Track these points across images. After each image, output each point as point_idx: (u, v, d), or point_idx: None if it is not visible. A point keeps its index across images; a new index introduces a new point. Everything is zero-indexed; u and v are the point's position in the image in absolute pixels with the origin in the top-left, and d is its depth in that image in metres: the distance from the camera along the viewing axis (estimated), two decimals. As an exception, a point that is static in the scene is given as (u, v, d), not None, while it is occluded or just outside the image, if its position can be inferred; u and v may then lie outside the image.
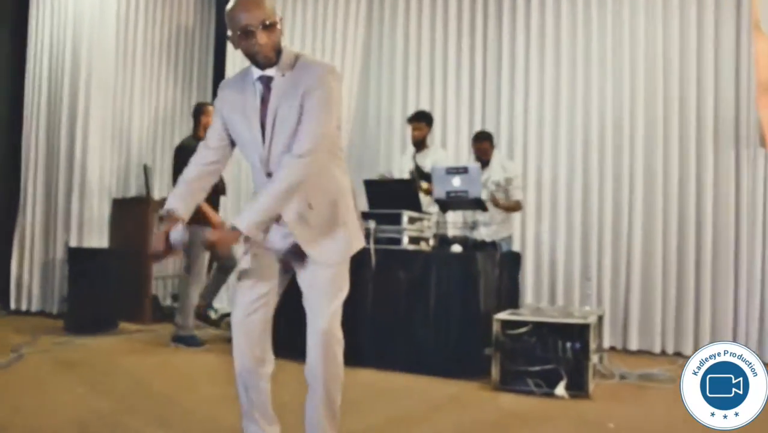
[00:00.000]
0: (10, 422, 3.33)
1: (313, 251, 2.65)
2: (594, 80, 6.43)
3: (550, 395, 4.23)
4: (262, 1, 2.50)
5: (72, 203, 6.86)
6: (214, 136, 2.73)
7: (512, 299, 5.51)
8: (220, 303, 7.52)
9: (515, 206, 5.96)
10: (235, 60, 7.79)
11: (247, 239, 2.51)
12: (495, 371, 4.43)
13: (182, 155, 5.22)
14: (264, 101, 2.60)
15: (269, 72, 2.55)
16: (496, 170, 5.89)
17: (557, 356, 4.31)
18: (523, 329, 4.42)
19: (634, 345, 6.06)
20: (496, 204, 5.73)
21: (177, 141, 7.82)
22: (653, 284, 6.07)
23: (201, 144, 2.76)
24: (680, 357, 5.76)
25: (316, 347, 2.65)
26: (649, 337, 6.04)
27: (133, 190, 7.36)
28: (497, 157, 6.08)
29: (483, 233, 5.72)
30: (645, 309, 6.09)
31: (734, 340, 5.68)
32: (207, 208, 4.97)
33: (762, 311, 5.73)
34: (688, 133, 6.03)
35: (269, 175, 2.58)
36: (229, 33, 2.56)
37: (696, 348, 5.72)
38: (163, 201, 6.52)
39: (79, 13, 6.99)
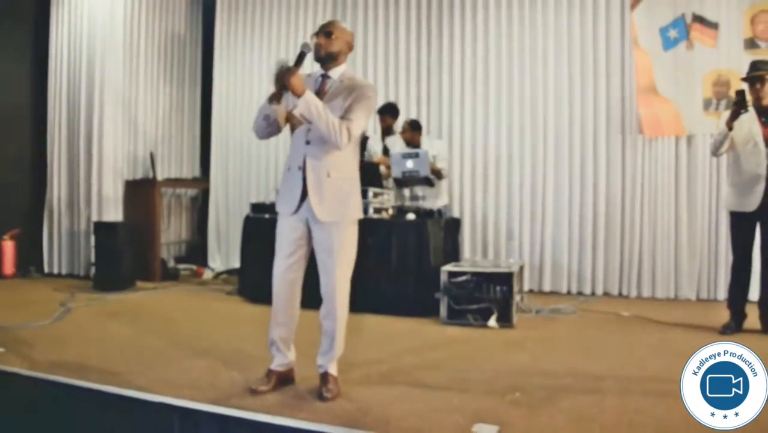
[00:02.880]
0: (86, 358, 3.67)
1: (320, 212, 2.93)
2: (515, 76, 6.64)
3: (485, 326, 4.65)
4: (338, 22, 3.12)
5: (92, 184, 7.08)
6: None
7: (454, 255, 5.81)
8: (214, 263, 8.06)
9: (438, 172, 5.99)
10: (221, 64, 8.09)
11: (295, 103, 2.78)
12: (443, 310, 4.82)
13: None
14: (319, 92, 3.01)
15: (330, 72, 3.07)
16: (426, 150, 5.89)
17: (489, 297, 4.71)
18: (463, 278, 4.81)
19: (547, 287, 6.43)
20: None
21: (175, 131, 8.13)
22: (561, 240, 6.42)
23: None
24: (581, 295, 6.22)
25: (330, 293, 3.00)
26: (558, 280, 6.43)
27: (141, 173, 7.56)
28: (426, 139, 6.23)
29: (426, 204, 5.84)
30: (555, 259, 6.45)
31: (620, 281, 6.21)
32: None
33: (640, 261, 6.16)
34: (587, 122, 6.37)
35: (308, 142, 2.97)
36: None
37: (593, 289, 6.27)
38: (165, 181, 7.05)
39: (93, 20, 7.17)
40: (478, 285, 4.79)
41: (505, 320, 4.71)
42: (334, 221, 2.99)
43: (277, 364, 3.17)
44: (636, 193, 6.24)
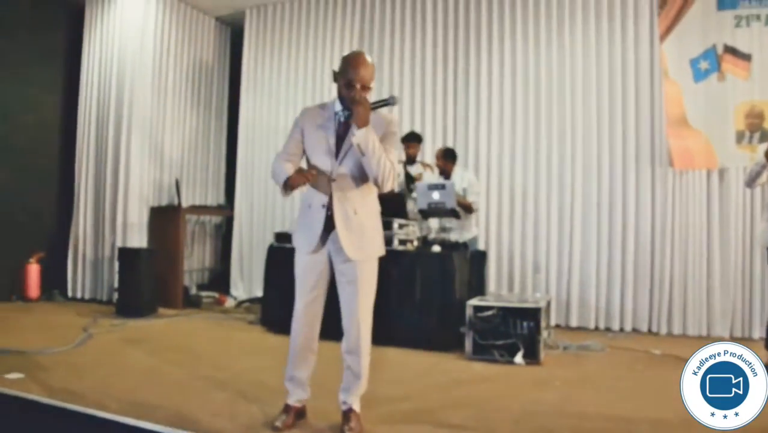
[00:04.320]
0: (106, 387, 3.62)
1: (348, 249, 2.89)
2: (543, 109, 6.56)
3: (511, 362, 4.51)
4: (369, 67, 2.90)
5: (117, 209, 7.15)
6: (293, 143, 3.00)
7: (480, 288, 5.70)
8: (237, 291, 8.02)
9: (468, 206, 5.88)
10: (248, 93, 8.12)
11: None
12: (468, 345, 4.70)
13: None
14: (342, 127, 2.93)
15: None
16: (456, 182, 5.85)
17: (516, 332, 4.59)
18: (489, 312, 4.68)
19: (574, 322, 6.28)
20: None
21: (201, 159, 8.20)
22: (589, 274, 6.27)
23: (280, 153, 3.01)
24: (609, 331, 6.05)
25: (354, 329, 2.94)
26: (585, 316, 6.27)
27: (166, 200, 7.59)
28: (458, 170, 6.09)
29: (453, 236, 5.78)
30: (582, 294, 6.30)
31: (649, 317, 6.03)
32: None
33: (671, 297, 5.98)
34: (616, 154, 6.26)
35: (334, 180, 2.90)
36: (337, 71, 2.91)
37: (621, 325, 6.10)
38: (189, 208, 7.10)
39: (123, 48, 7.27)
40: (504, 320, 4.67)
41: (531, 357, 4.58)
42: (361, 259, 2.94)
43: (295, 399, 3.11)
44: (666, 227, 6.09)
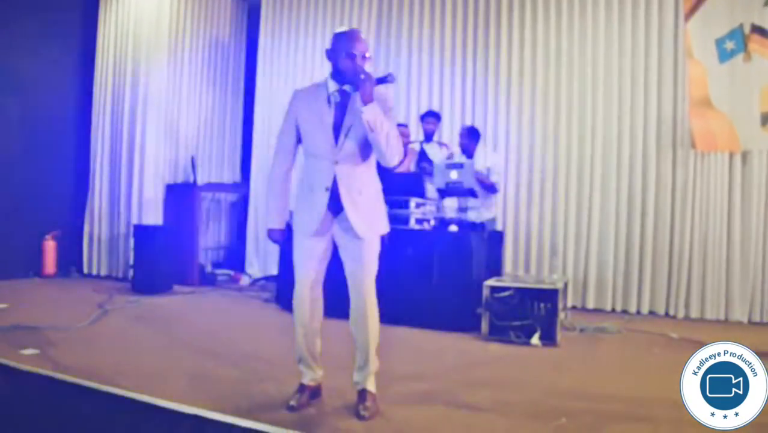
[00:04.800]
0: (119, 365, 3.60)
1: (360, 229, 2.90)
2: (563, 89, 6.47)
3: (528, 344, 4.48)
4: (365, 39, 2.96)
5: (133, 186, 7.15)
6: (289, 138, 3.00)
7: (496, 269, 5.64)
8: (252, 269, 8.01)
9: (492, 186, 5.89)
10: (264, 70, 8.04)
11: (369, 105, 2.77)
12: (484, 326, 4.67)
13: None
14: (339, 107, 2.93)
15: (347, 88, 2.94)
16: (479, 161, 5.87)
17: (533, 313, 4.53)
18: (506, 293, 4.63)
19: (591, 304, 6.21)
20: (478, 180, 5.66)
21: (216, 137, 8.17)
22: (606, 256, 6.20)
23: (278, 150, 3.04)
24: (626, 314, 5.98)
25: (361, 305, 2.96)
26: (602, 298, 6.20)
27: (182, 177, 7.58)
28: (481, 149, 6.05)
29: (472, 216, 5.69)
30: (600, 276, 6.23)
31: (667, 300, 5.97)
32: None
33: (689, 280, 5.88)
34: (637, 135, 6.13)
35: (336, 162, 2.90)
36: (331, 49, 2.91)
37: (638, 307, 6.04)
38: (204, 185, 7.07)
39: (139, 24, 7.25)
40: (521, 301, 4.62)
41: (548, 339, 4.54)
42: (369, 238, 2.97)
43: (309, 379, 3.11)
44: (686, 209, 5.98)
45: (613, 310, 6.19)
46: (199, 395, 3.13)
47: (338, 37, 2.95)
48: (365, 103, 2.79)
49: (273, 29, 8.11)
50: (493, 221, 6.03)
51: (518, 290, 4.67)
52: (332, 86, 2.96)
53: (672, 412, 3.00)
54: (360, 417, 2.88)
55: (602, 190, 6.33)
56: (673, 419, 2.89)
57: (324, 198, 2.94)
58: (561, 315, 4.71)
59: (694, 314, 5.89)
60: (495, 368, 4.00)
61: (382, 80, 2.90)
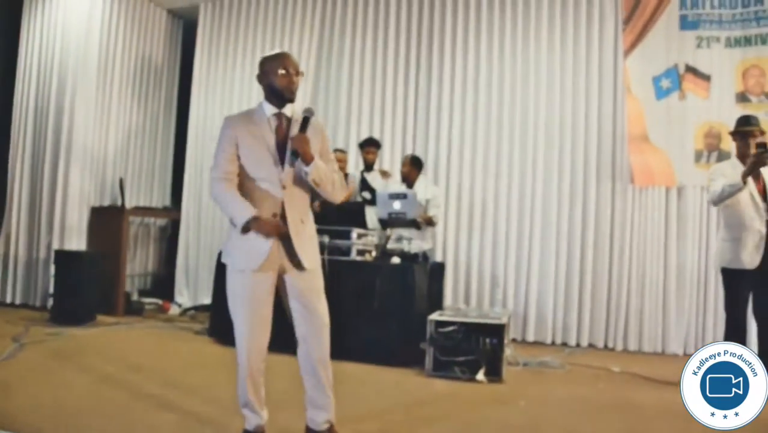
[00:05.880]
0: (38, 408, 3.32)
1: (305, 258, 2.80)
2: (505, 121, 6.47)
3: (473, 379, 4.38)
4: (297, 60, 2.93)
5: (55, 209, 6.74)
6: (230, 161, 2.81)
7: (438, 301, 5.59)
8: (181, 298, 7.65)
9: (429, 220, 5.86)
10: (200, 90, 7.79)
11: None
12: (428, 361, 4.54)
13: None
14: (278, 132, 2.83)
15: (284, 110, 2.86)
16: (419, 192, 5.79)
17: (478, 348, 4.44)
18: (451, 328, 4.54)
19: (531, 337, 6.20)
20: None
21: (147, 158, 7.87)
22: (547, 289, 6.22)
23: (220, 177, 2.81)
24: (566, 346, 6.01)
25: (317, 336, 2.82)
26: (542, 331, 6.20)
27: (109, 200, 7.25)
28: (422, 180, 6.03)
29: (412, 246, 5.48)
30: (540, 309, 6.24)
31: (606, 333, 6.01)
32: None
33: (627, 314, 5.98)
34: (577, 169, 6.22)
35: (284, 187, 2.77)
36: (261, 72, 2.86)
37: (578, 340, 6.07)
38: (133, 209, 6.74)
39: (66, 41, 6.88)
40: (466, 336, 4.52)
41: (494, 374, 4.45)
42: (314, 267, 2.88)
43: (255, 425, 2.90)
44: (625, 243, 6.09)
45: (553, 343, 6.19)
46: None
47: (267, 59, 2.90)
48: (307, 164, 2.76)
49: (210, 48, 7.86)
50: (431, 251, 5.98)
51: (463, 324, 4.58)
52: (269, 110, 2.87)
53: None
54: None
55: (542, 223, 6.35)
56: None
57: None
58: (507, 350, 4.65)
59: (633, 346, 5.96)
60: (442, 406, 3.86)
61: (305, 122, 2.84)
